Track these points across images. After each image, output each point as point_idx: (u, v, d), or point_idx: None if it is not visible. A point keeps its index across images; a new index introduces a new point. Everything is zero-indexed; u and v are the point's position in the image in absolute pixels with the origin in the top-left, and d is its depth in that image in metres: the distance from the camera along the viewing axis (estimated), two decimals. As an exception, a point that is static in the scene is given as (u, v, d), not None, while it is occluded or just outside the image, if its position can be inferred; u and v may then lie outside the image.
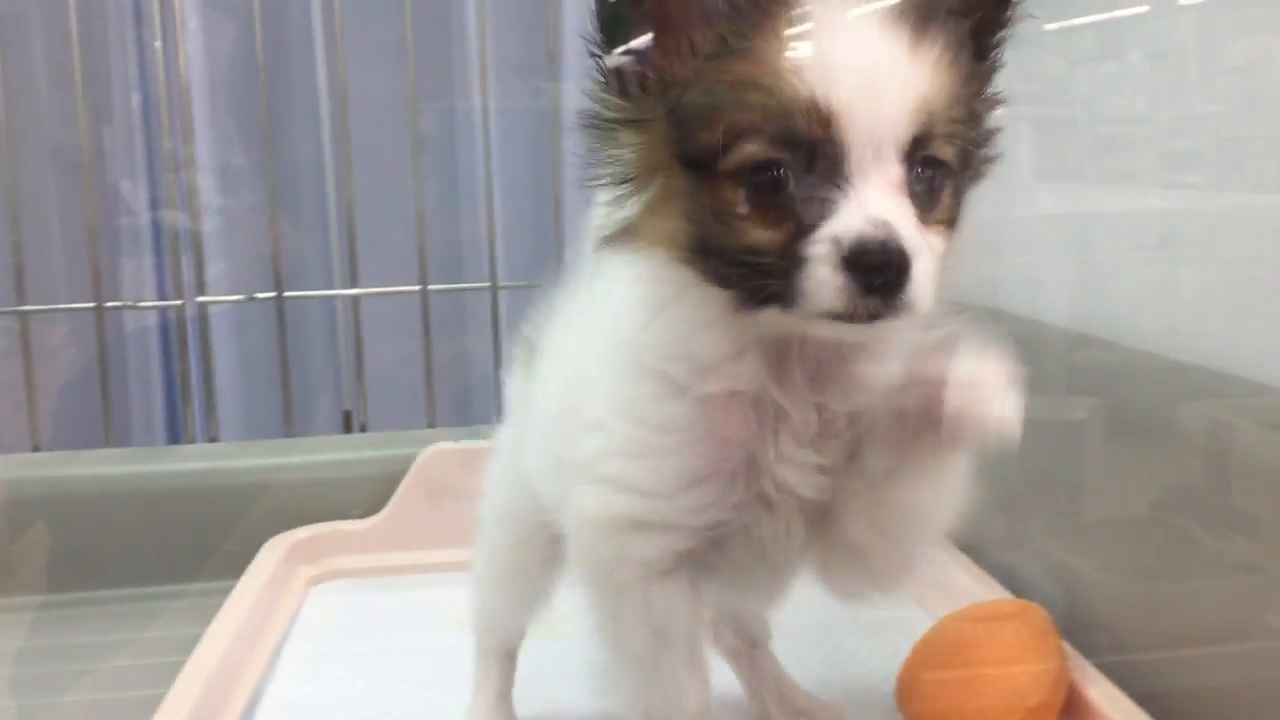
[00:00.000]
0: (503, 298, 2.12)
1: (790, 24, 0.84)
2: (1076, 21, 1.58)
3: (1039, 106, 1.71)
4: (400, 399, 2.29)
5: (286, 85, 2.96)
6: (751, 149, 0.84)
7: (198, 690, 1.34)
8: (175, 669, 1.37)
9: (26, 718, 1.52)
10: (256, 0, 2.14)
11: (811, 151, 0.83)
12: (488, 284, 2.09)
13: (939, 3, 0.86)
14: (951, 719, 1.27)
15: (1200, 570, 1.29)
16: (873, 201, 0.82)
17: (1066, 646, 1.34)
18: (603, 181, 0.93)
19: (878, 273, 0.80)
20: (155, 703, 1.29)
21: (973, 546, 1.65)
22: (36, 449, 1.99)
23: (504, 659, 1.37)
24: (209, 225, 2.11)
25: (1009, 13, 0.92)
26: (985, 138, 0.94)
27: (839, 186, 0.82)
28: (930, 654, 1.33)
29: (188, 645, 1.43)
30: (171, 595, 1.81)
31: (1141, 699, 1.26)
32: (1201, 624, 1.28)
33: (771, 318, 0.87)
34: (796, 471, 0.95)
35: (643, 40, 0.89)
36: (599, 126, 0.92)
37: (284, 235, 2.07)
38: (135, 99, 2.99)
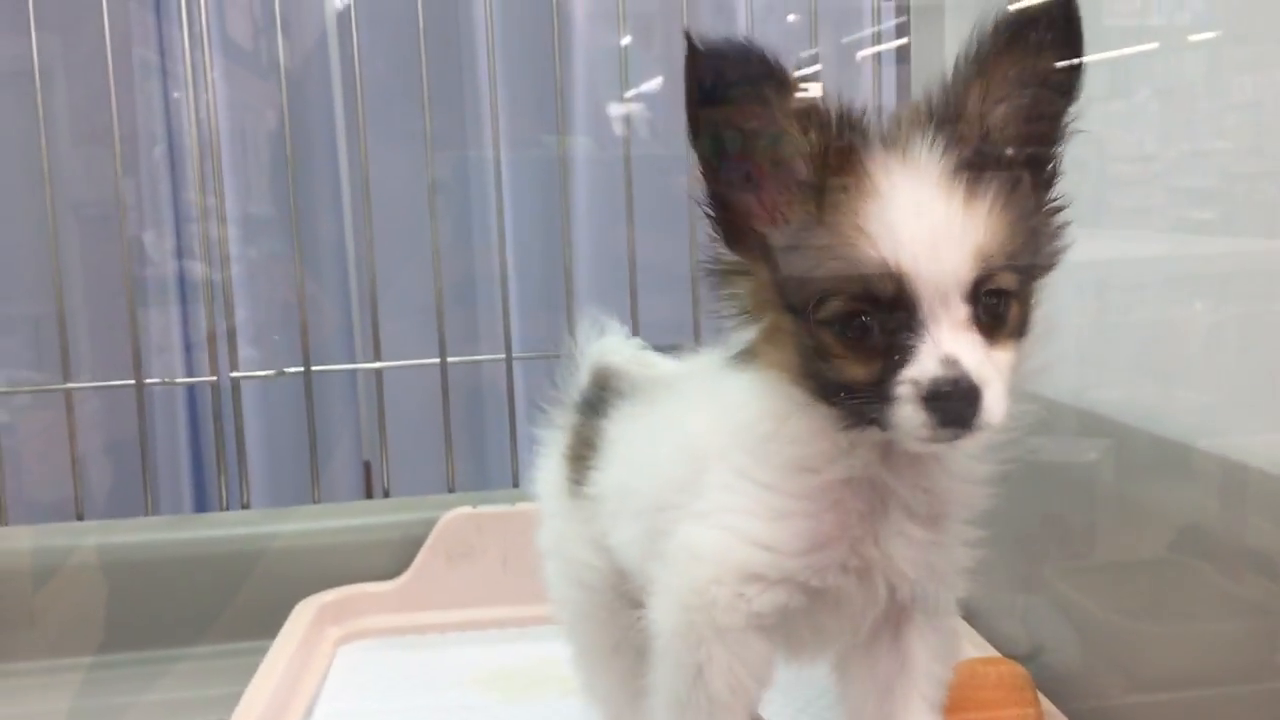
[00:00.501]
0: (517, 368, 2.18)
1: (864, 197, 0.96)
2: (1087, 60, 1.62)
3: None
4: (420, 462, 2.35)
5: (307, 161, 3.05)
6: (837, 305, 0.96)
7: None
8: None
9: None
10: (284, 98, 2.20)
11: (889, 305, 0.95)
12: (502, 356, 2.15)
13: (988, 156, 0.98)
14: None
15: (1213, 611, 1.28)
16: (945, 343, 0.94)
17: (1044, 700, 1.41)
18: (725, 314, 1.06)
19: (953, 407, 0.93)
20: None
21: (985, 590, 1.69)
22: (80, 517, 2.05)
23: None
24: (221, 281, 2.16)
25: (1057, 140, 1.04)
26: (1050, 242, 1.05)
27: (915, 331, 0.94)
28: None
29: (224, 703, 1.49)
30: (206, 656, 1.87)
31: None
32: (1214, 664, 1.28)
33: (872, 436, 1.00)
34: (905, 545, 1.06)
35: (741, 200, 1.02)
36: (717, 272, 1.05)
37: (309, 309, 2.13)
38: (158, 151, 3.09)
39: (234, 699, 1.50)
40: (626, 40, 2.29)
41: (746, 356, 1.07)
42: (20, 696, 1.80)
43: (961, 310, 0.95)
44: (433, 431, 2.18)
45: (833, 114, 0.99)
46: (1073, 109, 1.04)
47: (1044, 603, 1.56)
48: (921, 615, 1.12)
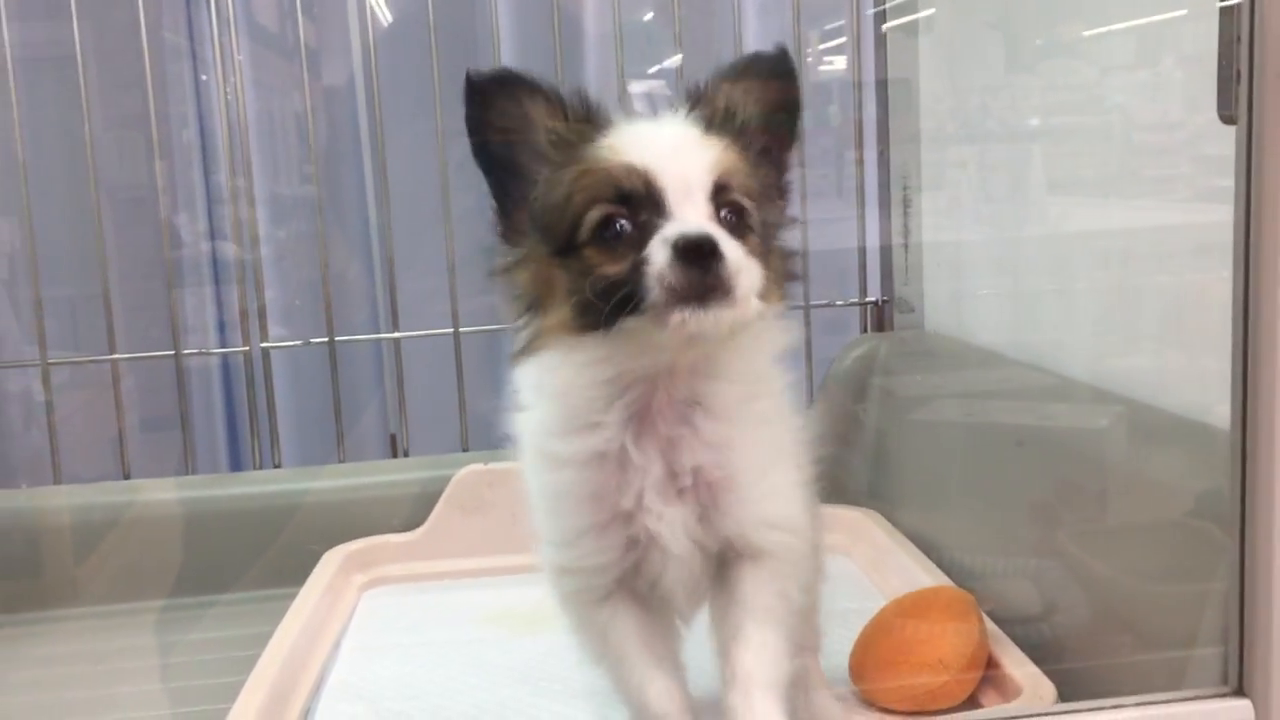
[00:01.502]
0: None
1: (610, 135, 1.10)
2: (1115, 28, 1.60)
3: (1072, 116, 1.75)
4: (438, 424, 2.44)
5: (332, 141, 3.17)
6: (594, 213, 1.06)
7: (273, 674, 1.52)
8: (251, 660, 1.54)
9: (133, 700, 1.69)
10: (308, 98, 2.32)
11: (640, 202, 1.05)
12: (513, 325, 2.28)
13: (724, 129, 1.14)
14: (894, 693, 1.46)
15: (1224, 573, 1.26)
16: (690, 218, 1.04)
17: (989, 623, 1.54)
18: (515, 319, 1.15)
19: (700, 255, 1.00)
20: (237, 687, 1.47)
21: (995, 552, 1.74)
22: (127, 477, 2.20)
23: None
24: (252, 260, 2.25)
25: (785, 169, 1.20)
26: (784, 255, 1.17)
27: (663, 220, 1.04)
28: (872, 638, 1.54)
29: (260, 641, 1.61)
30: (244, 601, 2.00)
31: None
32: (1222, 624, 1.27)
33: (631, 328, 1.04)
34: (658, 521, 1.13)
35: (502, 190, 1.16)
36: (502, 273, 1.16)
37: (334, 284, 2.28)
38: (187, 135, 3.21)
39: (269, 637, 1.63)
40: (648, 16, 2.38)
41: (533, 345, 1.13)
42: (76, 637, 1.94)
43: (703, 205, 1.06)
44: (449, 395, 2.29)
45: (575, 108, 1.14)
46: (795, 152, 1.21)
47: (1056, 565, 1.58)
48: (747, 559, 1.17)
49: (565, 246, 1.09)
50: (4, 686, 1.78)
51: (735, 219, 1.08)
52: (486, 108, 1.13)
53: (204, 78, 3.11)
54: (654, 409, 1.13)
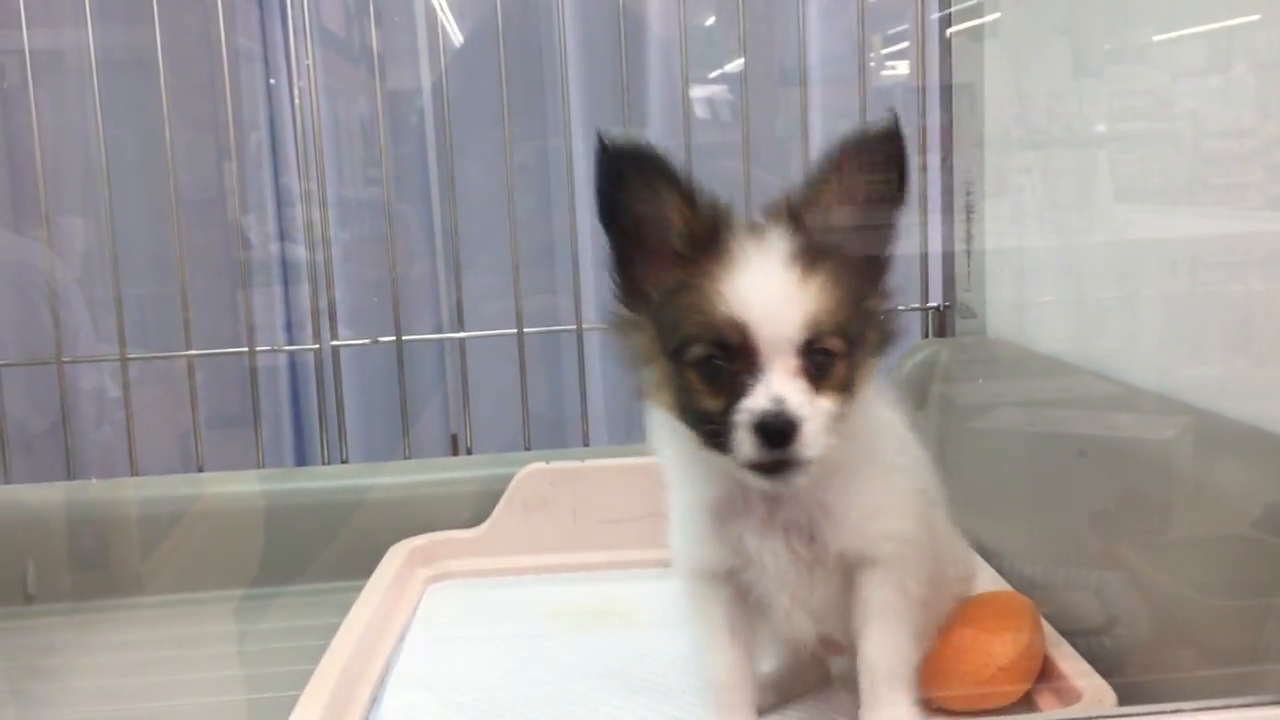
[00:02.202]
0: (589, 338, 2.33)
1: (723, 268, 1.22)
2: (1185, 33, 1.59)
3: (1139, 122, 1.75)
4: (500, 424, 2.51)
5: (398, 145, 3.22)
6: (699, 350, 1.21)
7: (342, 663, 1.54)
8: (318, 650, 1.56)
9: (205, 685, 1.73)
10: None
11: (736, 352, 1.19)
12: (573, 327, 2.30)
13: (826, 244, 1.23)
14: (942, 677, 1.46)
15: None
16: (775, 385, 1.18)
17: (1049, 627, 1.54)
18: (627, 360, 1.32)
19: (776, 435, 1.17)
20: (306, 676, 1.48)
21: (1056, 562, 1.73)
22: (200, 469, 2.25)
23: None
24: (323, 260, 2.28)
25: (886, 240, 1.28)
26: (882, 324, 1.30)
27: (754, 374, 1.19)
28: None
29: (326, 632, 1.63)
30: (312, 592, 2.03)
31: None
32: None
33: (724, 464, 1.23)
34: (771, 554, 1.33)
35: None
36: (617, 326, 1.32)
37: (399, 284, 2.30)
38: (257, 137, 3.27)
39: (336, 627, 1.65)
40: (710, 21, 2.39)
41: (646, 395, 1.31)
42: (149, 625, 1.98)
43: (792, 361, 1.19)
44: (513, 396, 2.33)
45: (703, 203, 1.24)
46: (899, 215, 1.27)
47: (1118, 578, 1.57)
48: (866, 566, 1.35)
49: (673, 355, 1.25)
50: (79, 670, 1.83)
51: (823, 360, 1.21)
52: (619, 181, 1.25)
53: (273, 81, 3.18)
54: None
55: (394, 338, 2.27)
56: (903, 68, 2.78)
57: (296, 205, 2.92)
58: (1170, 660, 1.45)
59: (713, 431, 1.21)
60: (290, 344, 3.22)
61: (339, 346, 2.27)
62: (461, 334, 2.31)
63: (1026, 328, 2.20)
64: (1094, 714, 1.32)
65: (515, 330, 2.28)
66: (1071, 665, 1.49)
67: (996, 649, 1.46)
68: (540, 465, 2.10)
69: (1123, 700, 1.41)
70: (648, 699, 1.56)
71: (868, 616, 1.34)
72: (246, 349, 2.25)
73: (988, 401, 2.16)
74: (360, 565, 1.94)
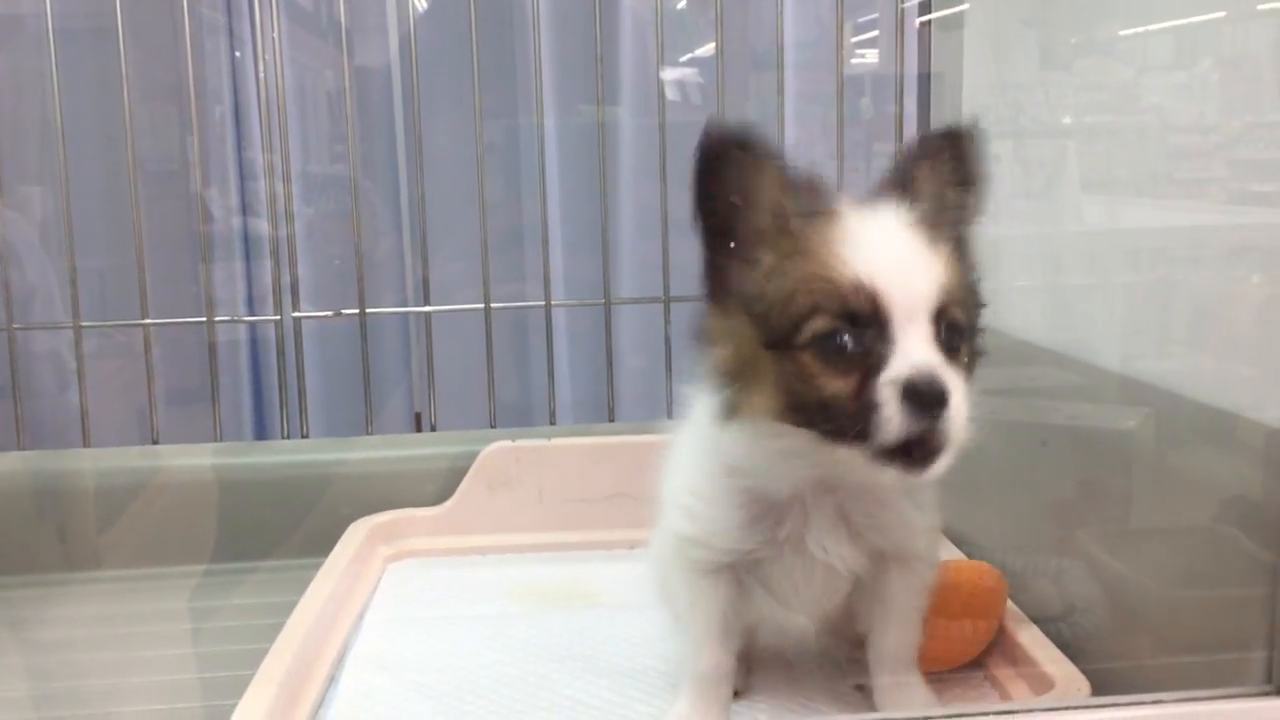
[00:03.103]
0: (557, 314, 2.31)
1: (838, 234, 1.12)
2: (1151, 28, 1.58)
3: (1106, 115, 1.73)
4: (465, 400, 2.46)
5: (365, 120, 3.18)
6: (819, 324, 1.09)
7: (298, 643, 1.51)
8: (275, 628, 1.53)
9: (159, 663, 1.69)
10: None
11: (865, 321, 1.08)
12: (543, 303, 2.27)
13: (943, 214, 1.16)
14: None
15: (1244, 578, 1.28)
16: (915, 351, 1.07)
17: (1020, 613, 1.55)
18: (708, 381, 1.22)
19: (929, 403, 1.05)
20: (262, 654, 1.46)
21: (1017, 550, 1.73)
22: (155, 442, 2.20)
23: None
24: (287, 234, 2.23)
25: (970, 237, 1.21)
26: (979, 312, 1.21)
27: (887, 345, 1.08)
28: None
29: (283, 609, 1.60)
30: (266, 569, 2.00)
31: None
32: (1243, 630, 1.28)
33: (847, 456, 1.11)
34: (817, 545, 1.28)
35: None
36: (701, 337, 1.21)
37: (365, 261, 2.24)
38: (220, 110, 3.21)
39: (294, 605, 1.62)
40: (681, 4, 2.36)
41: (729, 411, 1.20)
42: (103, 600, 1.94)
43: (927, 328, 1.09)
44: (477, 373, 2.30)
45: (802, 179, 1.16)
46: (981, 208, 1.22)
47: (1078, 566, 1.58)
48: (896, 564, 1.33)
49: (781, 341, 1.12)
50: (33, 646, 1.79)
51: (953, 336, 1.12)
52: (716, 169, 1.14)
53: (238, 54, 3.14)
54: (835, 479, 1.22)
55: (357, 310, 2.22)
56: (872, 55, 2.77)
57: (260, 179, 2.87)
58: (1135, 648, 1.46)
59: (839, 420, 1.08)
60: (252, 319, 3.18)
61: (301, 319, 2.22)
62: (427, 308, 2.27)
63: (998, 314, 2.18)
64: (1070, 704, 1.30)
65: (482, 305, 2.24)
66: (1042, 650, 1.49)
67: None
68: (506, 443, 2.07)
69: (1094, 687, 1.40)
70: (613, 681, 1.54)
71: (889, 609, 1.34)
72: (205, 320, 2.19)
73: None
74: (320, 542, 1.92)
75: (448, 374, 2.33)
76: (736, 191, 1.15)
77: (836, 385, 1.09)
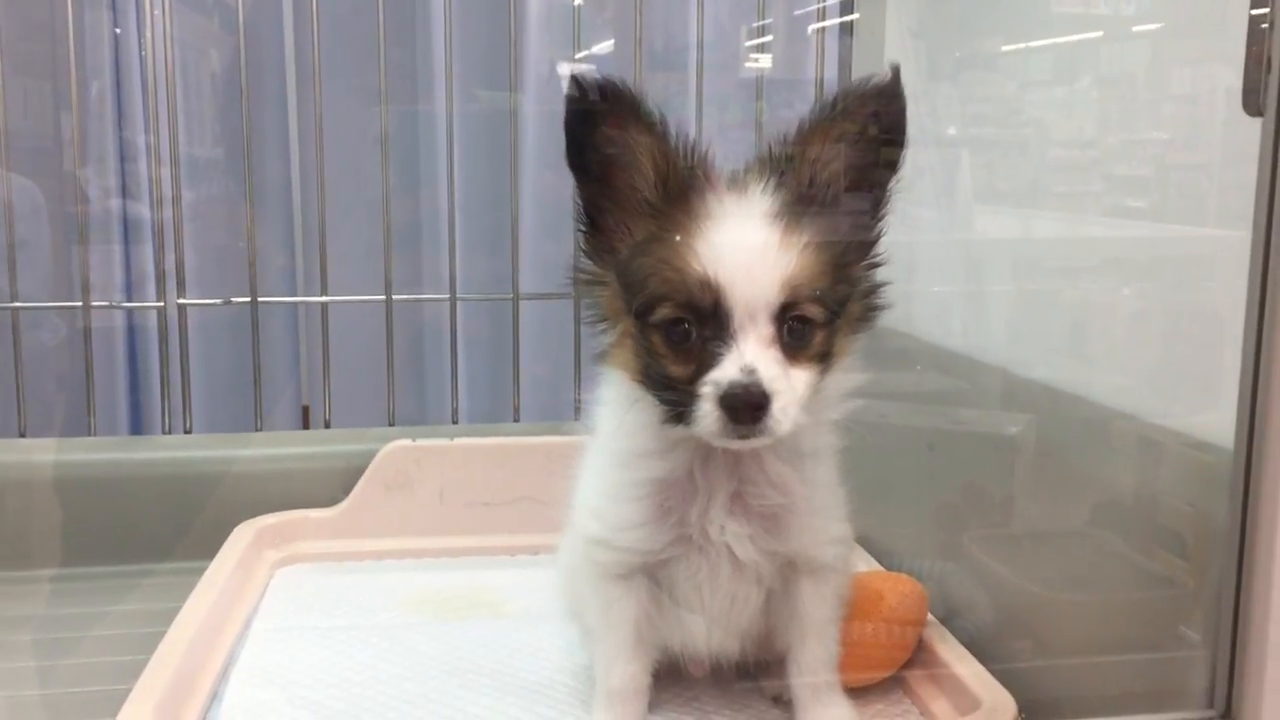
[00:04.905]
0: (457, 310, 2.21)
1: (698, 222, 1.14)
2: (1033, 44, 1.64)
3: (990, 128, 1.78)
4: (358, 401, 2.36)
5: (257, 93, 3.04)
6: (666, 311, 1.14)
7: (179, 655, 1.42)
8: (155, 638, 1.45)
9: (26, 678, 1.58)
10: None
11: (707, 315, 1.12)
12: (447, 296, 2.18)
13: (812, 203, 1.16)
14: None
15: (1122, 583, 1.34)
16: (747, 354, 1.11)
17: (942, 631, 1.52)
18: (588, 318, 1.26)
19: (744, 410, 1.10)
20: (140, 666, 1.38)
21: (906, 554, 1.74)
22: (23, 435, 2.07)
23: None
24: (170, 225, 2.15)
25: (879, 205, 1.21)
26: (867, 293, 1.24)
27: (725, 341, 1.11)
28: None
29: (165, 617, 1.51)
30: (147, 573, 1.89)
31: (1060, 701, 1.37)
32: (1120, 633, 1.34)
33: (683, 432, 1.16)
34: (720, 534, 1.26)
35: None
36: (580, 281, 1.24)
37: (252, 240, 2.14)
38: (98, 86, 3.05)
39: (175, 613, 1.53)
40: (579, 1, 2.31)
41: (604, 357, 1.26)
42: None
43: (767, 328, 1.12)
44: (370, 370, 2.22)
45: (679, 150, 1.16)
46: (894, 182, 1.21)
47: (961, 569, 1.60)
48: (806, 575, 1.32)
49: (638, 315, 1.17)
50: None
51: (800, 329, 1.15)
52: (590, 122, 1.16)
53: (119, 30, 2.99)
54: (719, 450, 1.22)
55: (248, 299, 2.09)
56: (765, 60, 2.77)
57: (140, 161, 2.81)
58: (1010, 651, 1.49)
59: (675, 401, 1.15)
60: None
61: (186, 305, 2.09)
62: (324, 298, 2.16)
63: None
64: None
65: (383, 297, 2.13)
66: (964, 665, 1.45)
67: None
68: (406, 442, 1.98)
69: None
70: (520, 698, 1.47)
71: (805, 622, 1.33)
72: (81, 304, 2.04)
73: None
74: (205, 546, 1.82)
75: (340, 375, 2.25)
76: (615, 147, 1.16)
77: (675, 369, 1.15)
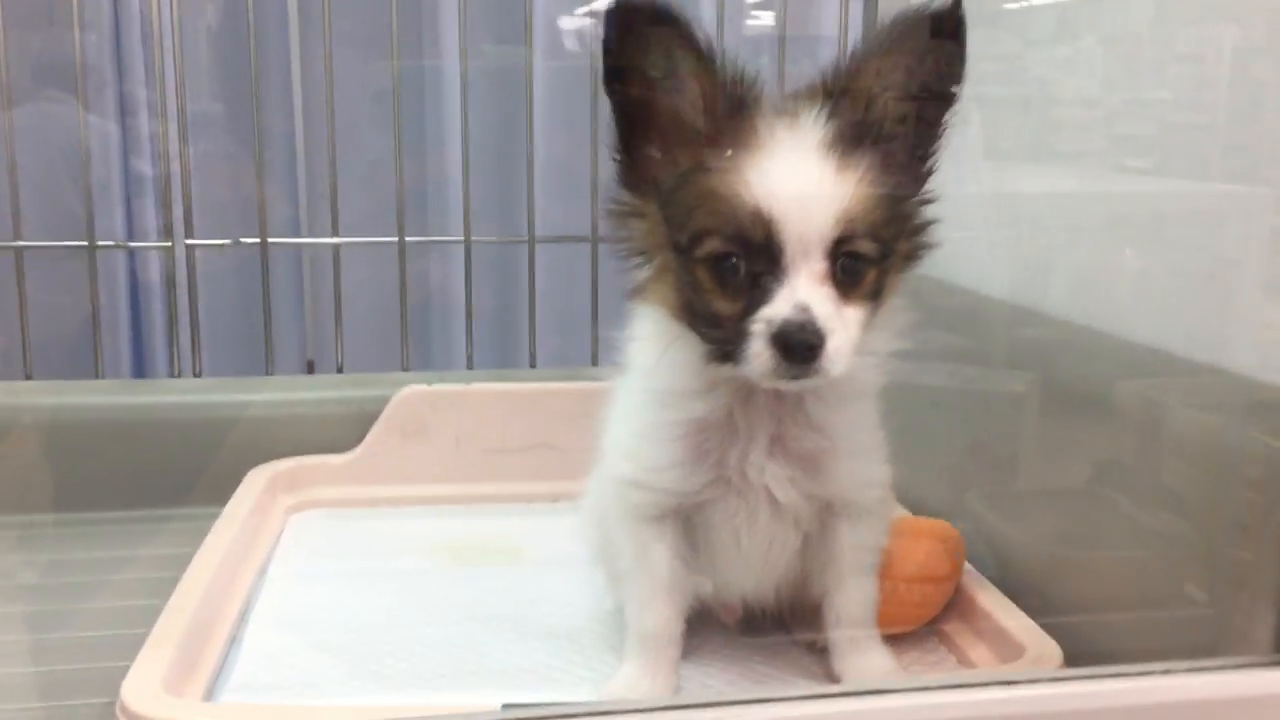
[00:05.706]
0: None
1: (749, 151, 1.08)
2: (1036, 2, 1.64)
3: (994, 86, 1.74)
4: (364, 350, 2.34)
5: (260, 36, 2.99)
6: (714, 244, 1.09)
7: (196, 599, 1.40)
8: (171, 583, 1.43)
9: (37, 620, 1.56)
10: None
11: (757, 250, 1.07)
12: (461, 238, 2.14)
13: (868, 133, 1.10)
14: None
15: (1126, 541, 1.33)
16: (800, 290, 1.07)
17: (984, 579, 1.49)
18: (622, 252, 1.21)
19: (797, 349, 1.06)
20: (156, 611, 1.35)
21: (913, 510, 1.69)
22: (29, 377, 2.03)
23: None
24: (177, 166, 2.09)
25: (937, 136, 1.16)
26: (916, 230, 1.19)
27: (776, 277, 1.07)
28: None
29: (180, 562, 1.49)
30: (161, 519, 1.86)
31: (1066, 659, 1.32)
32: (1124, 591, 1.33)
33: (729, 371, 1.12)
34: (757, 472, 1.23)
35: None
36: (615, 213, 1.19)
37: (253, 182, 2.09)
38: (96, 39, 2.98)
39: (190, 558, 1.51)
40: None
41: (640, 293, 1.21)
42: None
43: (820, 264, 1.08)
44: (375, 323, 2.20)
45: (729, 74, 1.11)
46: (951, 113, 1.16)
47: (967, 528, 1.56)
48: (845, 519, 1.29)
49: (682, 249, 1.12)
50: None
51: (853, 265, 1.10)
52: (631, 42, 1.10)
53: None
54: (760, 390, 1.19)
55: (258, 240, 2.04)
56: (767, 18, 2.72)
57: (140, 114, 2.75)
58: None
59: (720, 339, 1.11)
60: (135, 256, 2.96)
61: (195, 246, 2.04)
62: (335, 239, 2.11)
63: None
64: (1039, 675, 1.21)
65: (395, 238, 2.09)
66: (1003, 610, 1.43)
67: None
68: (420, 387, 1.95)
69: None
70: (545, 644, 1.44)
71: (842, 567, 1.30)
72: (87, 244, 2.00)
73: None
74: (217, 491, 1.78)
75: (347, 323, 2.19)
76: (656, 68, 1.11)
77: (723, 305, 1.10)
